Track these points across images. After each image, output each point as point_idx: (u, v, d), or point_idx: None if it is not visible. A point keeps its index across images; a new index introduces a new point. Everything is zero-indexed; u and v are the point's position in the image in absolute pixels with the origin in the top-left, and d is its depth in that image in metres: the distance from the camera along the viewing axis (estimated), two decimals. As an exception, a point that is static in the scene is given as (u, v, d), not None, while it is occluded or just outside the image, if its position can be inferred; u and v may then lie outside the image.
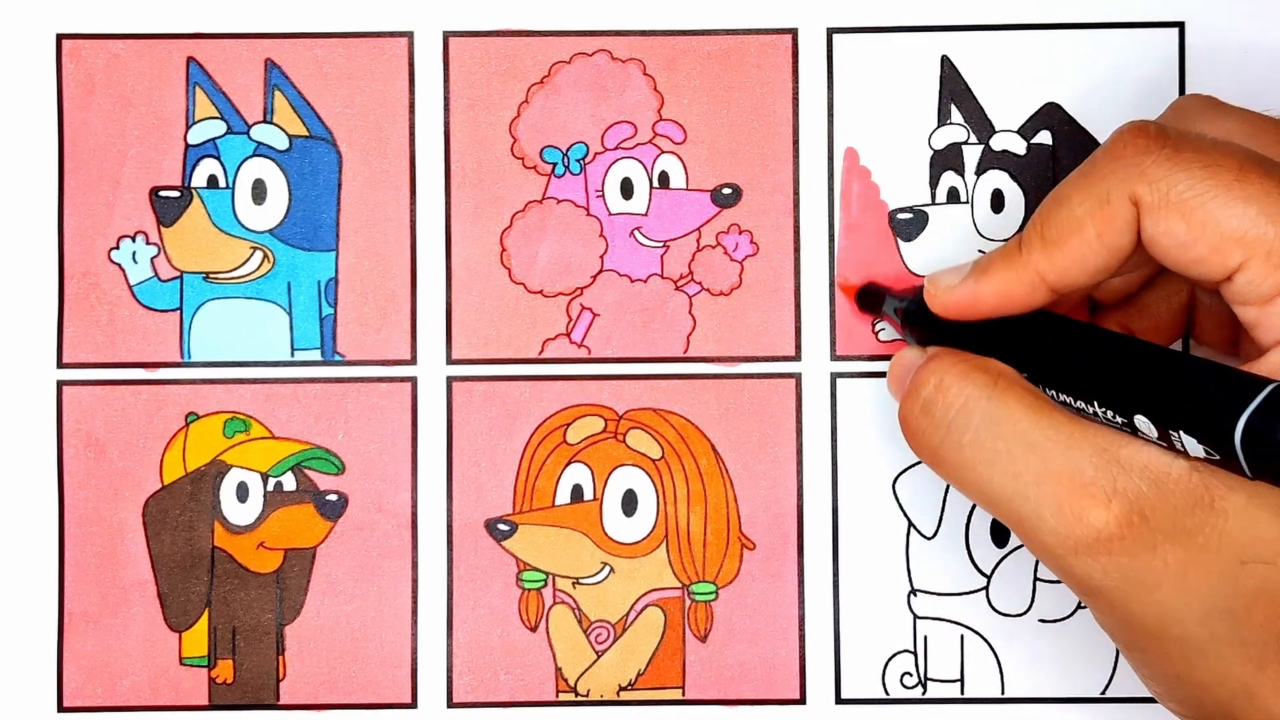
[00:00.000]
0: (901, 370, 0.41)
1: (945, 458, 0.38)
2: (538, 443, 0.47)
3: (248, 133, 0.47)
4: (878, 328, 0.47)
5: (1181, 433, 0.34)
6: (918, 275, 0.47)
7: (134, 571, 0.47)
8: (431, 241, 0.47)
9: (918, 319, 0.42)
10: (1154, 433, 0.35)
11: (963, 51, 0.46)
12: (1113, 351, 0.37)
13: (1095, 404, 0.36)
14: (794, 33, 0.47)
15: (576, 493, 0.47)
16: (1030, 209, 0.46)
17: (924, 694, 0.46)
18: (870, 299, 0.46)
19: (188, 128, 0.47)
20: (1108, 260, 0.37)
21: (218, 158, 0.47)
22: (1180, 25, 0.46)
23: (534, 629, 0.47)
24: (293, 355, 0.47)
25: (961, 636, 0.46)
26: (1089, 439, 0.36)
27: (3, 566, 0.46)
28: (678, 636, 0.47)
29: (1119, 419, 0.36)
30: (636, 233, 0.47)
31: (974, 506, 0.46)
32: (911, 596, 0.46)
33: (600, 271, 0.47)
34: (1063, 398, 0.37)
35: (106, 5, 0.47)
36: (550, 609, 0.47)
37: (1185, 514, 0.34)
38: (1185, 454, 0.35)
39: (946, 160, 0.47)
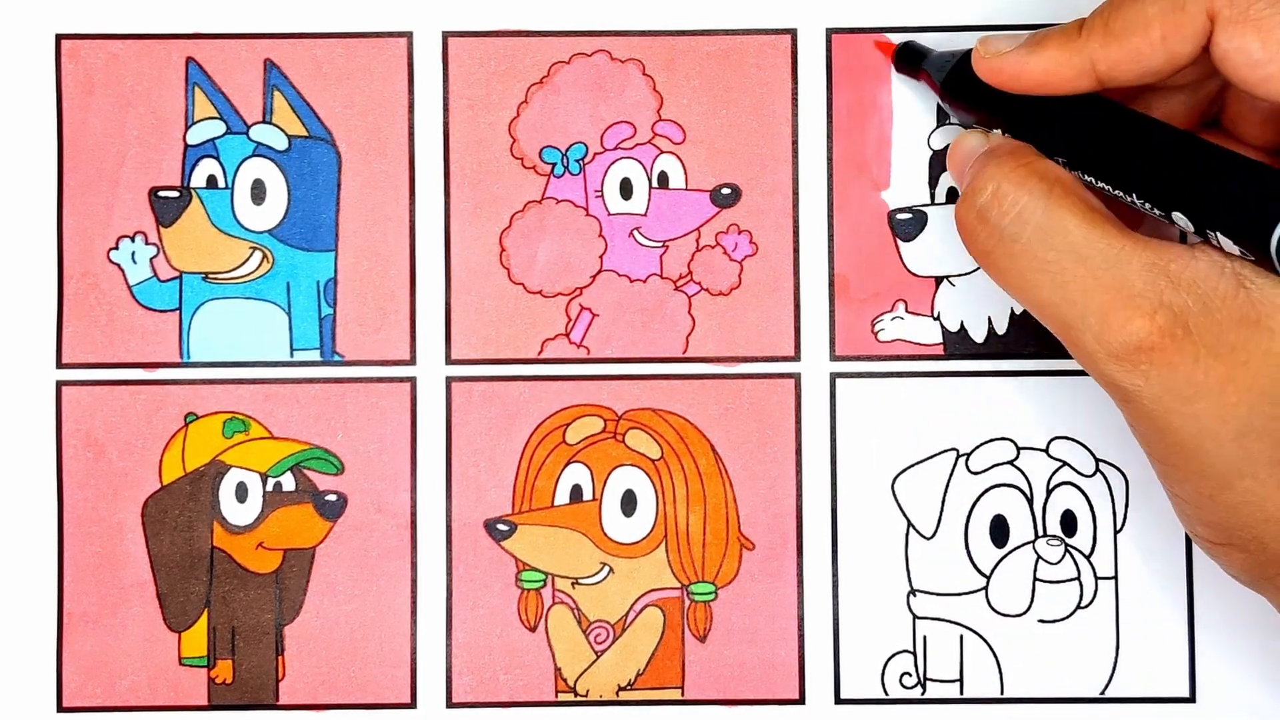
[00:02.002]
0: (961, 157, 0.41)
1: (996, 262, 0.38)
2: (537, 443, 0.47)
3: (247, 133, 0.47)
4: (877, 327, 0.47)
5: (1218, 233, 0.34)
6: (918, 275, 0.46)
7: (133, 572, 0.47)
8: (431, 241, 0.47)
9: (958, 86, 0.42)
10: (1191, 229, 0.35)
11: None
12: (1156, 144, 0.37)
13: (1134, 196, 0.37)
14: (793, 33, 0.47)
15: (576, 493, 0.47)
16: (1030, 209, 0.46)
17: (923, 694, 0.46)
18: (910, 56, 0.45)
19: (187, 128, 0.47)
20: (1163, 65, 0.37)
21: (217, 158, 0.47)
22: (1180, 25, 0.46)
23: (533, 629, 0.47)
24: (292, 355, 0.47)
25: (961, 637, 0.46)
26: (1139, 253, 0.36)
27: (3, 566, 0.46)
28: (677, 636, 0.47)
29: (1157, 212, 0.36)
30: (636, 233, 0.47)
31: (973, 507, 0.46)
32: (911, 597, 0.46)
33: (599, 271, 0.47)
34: (1101, 184, 0.38)
35: (106, 5, 0.47)
36: (549, 609, 0.47)
37: (1230, 329, 0.35)
38: (1230, 258, 0.35)
39: (946, 160, 0.47)
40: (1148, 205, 0.37)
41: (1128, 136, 0.38)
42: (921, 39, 0.46)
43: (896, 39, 0.46)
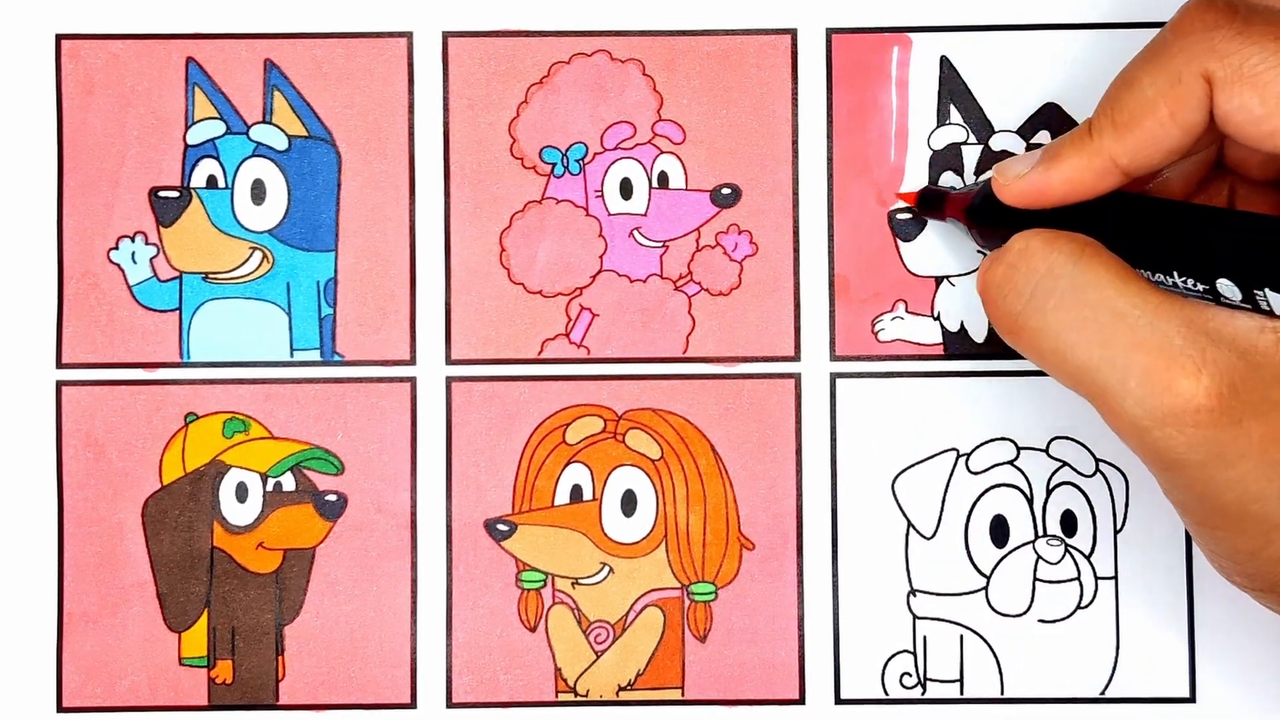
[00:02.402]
0: (986, 259, 0.40)
1: (1026, 324, 0.37)
2: (537, 443, 0.47)
3: (247, 133, 0.47)
4: (877, 327, 0.47)
5: (1267, 290, 0.34)
6: (918, 275, 0.46)
7: (133, 572, 0.47)
8: (431, 242, 0.47)
9: (986, 214, 0.42)
10: (1238, 295, 0.35)
11: (962, 52, 0.46)
12: (1190, 219, 0.37)
13: (1175, 274, 0.36)
14: (793, 33, 0.47)
15: (576, 493, 0.47)
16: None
17: (923, 694, 0.46)
18: (932, 200, 0.45)
19: (187, 128, 0.47)
20: (1181, 139, 0.36)
21: (217, 158, 0.47)
22: (1180, 25, 0.46)
23: (533, 629, 0.47)
24: (292, 355, 0.47)
25: (961, 637, 0.46)
26: (1176, 310, 0.35)
27: (3, 566, 0.46)
28: (677, 637, 0.47)
29: (1201, 287, 0.36)
30: (636, 233, 0.47)
31: (973, 506, 0.46)
32: (911, 597, 0.46)
33: (599, 272, 0.47)
34: (1142, 273, 0.37)
35: (106, 5, 0.47)
36: (550, 609, 0.47)
37: (1273, 386, 0.34)
38: (1273, 315, 0.35)
39: (946, 160, 0.47)
40: (1190, 281, 0.36)
41: (1159, 221, 0.37)
42: (922, 38, 0.46)
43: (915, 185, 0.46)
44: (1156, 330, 0.35)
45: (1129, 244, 0.37)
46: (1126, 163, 0.37)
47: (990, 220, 0.42)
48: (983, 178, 0.42)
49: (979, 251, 0.46)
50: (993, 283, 0.38)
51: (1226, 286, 0.35)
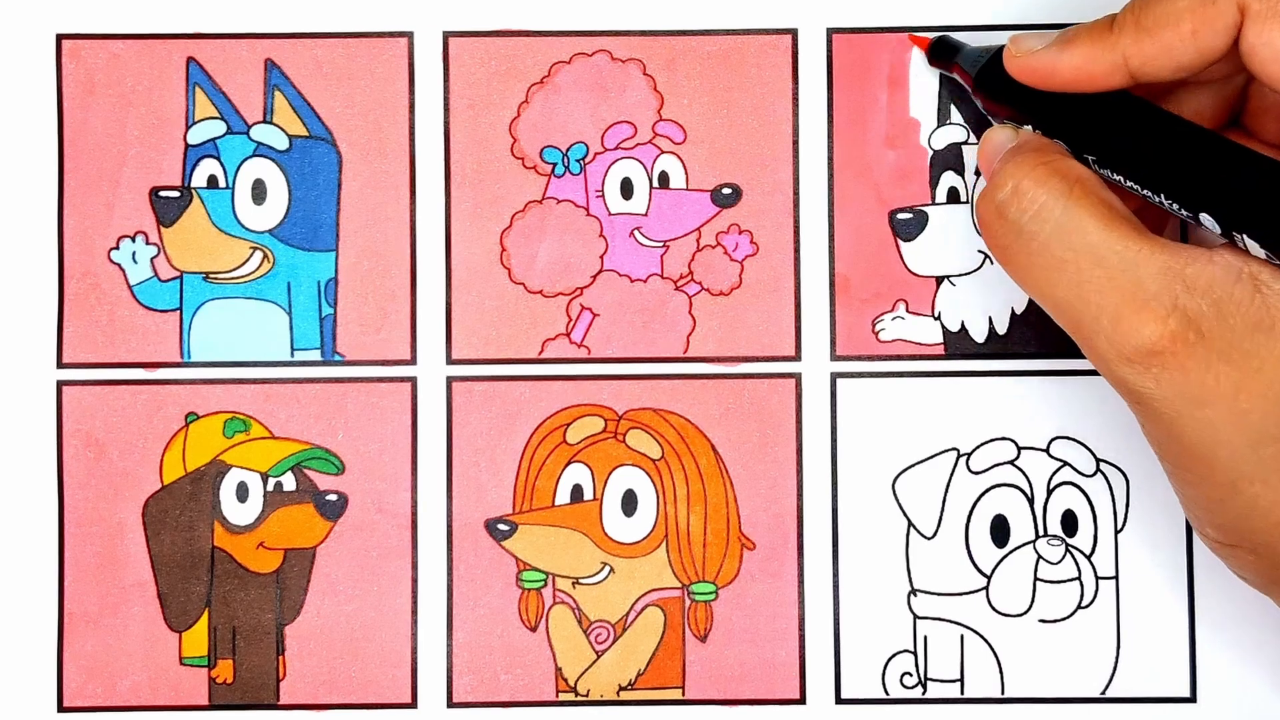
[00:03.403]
0: (990, 152, 0.41)
1: (1013, 258, 0.38)
2: (537, 443, 0.47)
3: (247, 133, 0.47)
4: (878, 327, 0.47)
5: (1245, 235, 0.34)
6: (919, 275, 0.46)
7: (134, 571, 0.47)
8: (431, 241, 0.47)
9: (991, 82, 0.42)
10: (1218, 230, 0.35)
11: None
12: (1185, 143, 0.37)
13: (1161, 195, 0.37)
14: (794, 33, 0.47)
15: (576, 493, 0.47)
16: (1030, 209, 0.46)
17: (924, 694, 0.46)
18: (944, 50, 0.45)
19: (188, 128, 0.47)
20: (1195, 59, 0.37)
21: (217, 158, 0.47)
22: (1180, 25, 0.46)
23: (534, 629, 0.47)
24: (293, 355, 0.47)
25: (961, 636, 0.46)
26: (1156, 256, 0.36)
27: (3, 566, 0.46)
28: (677, 636, 0.47)
29: (1185, 213, 0.36)
30: (636, 233, 0.47)
31: (974, 506, 0.46)
32: (911, 596, 0.46)
33: (600, 271, 0.47)
34: (1130, 184, 0.38)
35: (106, 5, 0.47)
36: (550, 609, 0.47)
37: (1244, 335, 0.35)
38: (1249, 262, 0.35)
39: (946, 160, 0.47)
40: (1175, 205, 0.36)
41: (1158, 135, 0.38)
42: (926, 35, 0.46)
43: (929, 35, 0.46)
44: (1133, 275, 0.36)
45: (1123, 153, 0.38)
46: (1136, 65, 0.37)
47: (994, 89, 0.42)
48: (997, 43, 0.42)
49: (979, 252, 0.46)
50: (985, 215, 0.39)
51: (1208, 220, 0.35)
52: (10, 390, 0.47)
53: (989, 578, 0.46)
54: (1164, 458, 0.38)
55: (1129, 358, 0.36)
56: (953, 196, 0.47)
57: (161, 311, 0.47)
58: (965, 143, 0.46)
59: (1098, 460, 0.46)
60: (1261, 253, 0.35)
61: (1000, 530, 0.46)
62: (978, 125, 0.46)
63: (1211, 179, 0.36)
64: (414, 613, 0.46)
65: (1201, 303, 0.35)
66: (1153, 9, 0.37)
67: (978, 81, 0.43)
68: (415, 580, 0.47)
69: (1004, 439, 0.46)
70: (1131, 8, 0.38)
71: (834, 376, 0.47)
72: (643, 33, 0.47)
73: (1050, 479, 0.46)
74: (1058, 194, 0.38)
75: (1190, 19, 0.36)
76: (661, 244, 0.47)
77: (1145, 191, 0.37)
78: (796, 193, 0.47)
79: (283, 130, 0.47)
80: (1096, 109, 0.39)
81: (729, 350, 0.47)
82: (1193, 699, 0.46)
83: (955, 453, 0.46)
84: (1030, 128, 0.41)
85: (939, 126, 0.47)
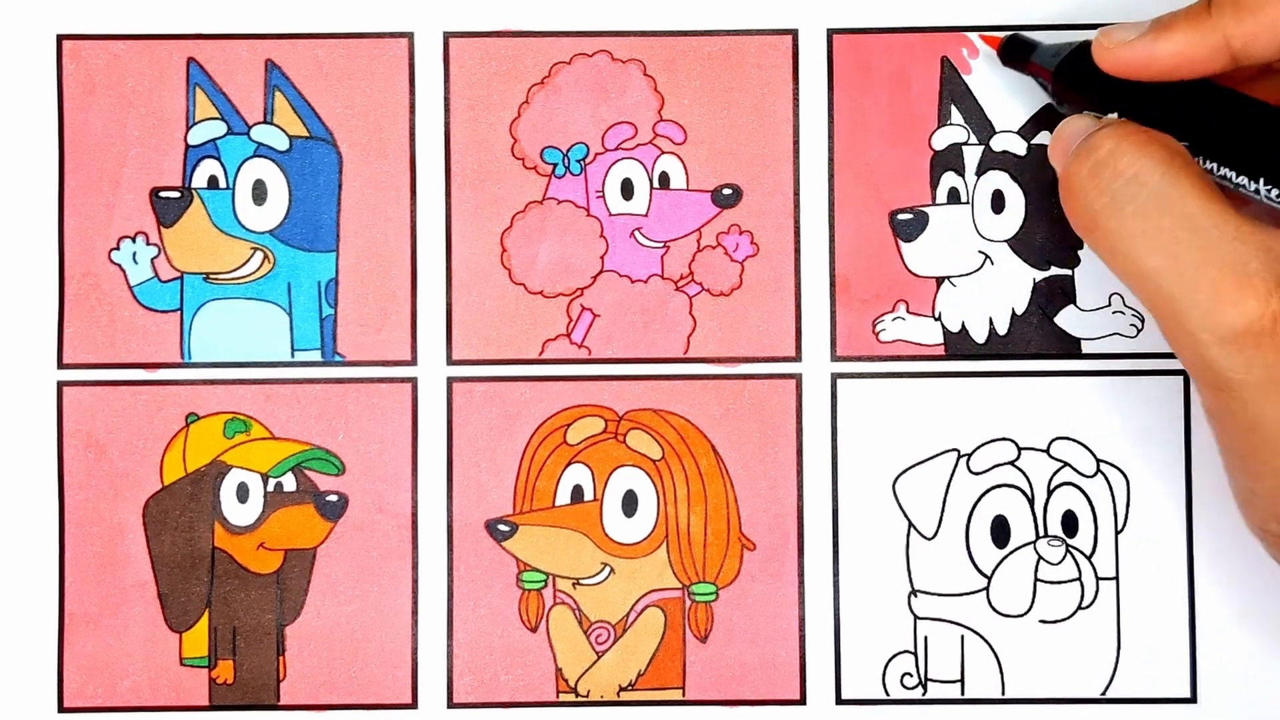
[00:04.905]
0: (1068, 136, 0.40)
1: (1103, 224, 0.37)
2: (538, 443, 0.47)
3: (248, 133, 0.47)
4: (878, 328, 0.47)
5: None
6: (919, 275, 0.46)
7: (134, 572, 0.47)
8: (432, 242, 0.47)
9: (1074, 76, 0.41)
10: None
11: (963, 52, 0.46)
12: None
13: (1261, 181, 0.36)
14: (794, 33, 0.47)
15: (577, 493, 0.47)
16: (1030, 209, 0.46)
17: (924, 694, 0.46)
18: (1018, 49, 0.44)
19: (188, 128, 0.47)
20: None
21: (218, 158, 0.47)
22: (1181, 25, 0.46)
23: (534, 629, 0.47)
24: (293, 356, 0.47)
25: (962, 637, 0.46)
26: (1257, 236, 0.35)
27: (3, 566, 0.46)
28: (678, 637, 0.47)
29: None
30: (637, 233, 0.47)
31: (974, 507, 0.46)
32: (912, 597, 0.46)
33: (600, 272, 0.47)
34: (1224, 171, 0.37)
35: (106, 6, 0.47)
36: (550, 609, 0.47)
37: None
38: None
39: (947, 161, 0.47)
40: (1274, 192, 0.36)
41: (1254, 122, 0.37)
42: (922, 38, 0.46)
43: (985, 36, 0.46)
44: (1233, 250, 0.35)
45: (1220, 140, 0.37)
46: (1240, 46, 0.37)
47: (1077, 84, 0.41)
48: (1076, 37, 0.42)
49: (979, 253, 0.46)
50: (1076, 176, 0.38)
51: None
52: (10, 390, 0.47)
53: (989, 578, 0.46)
54: (1232, 448, 0.37)
55: (1224, 337, 0.35)
56: (953, 197, 0.47)
57: (162, 312, 0.47)
58: (965, 143, 0.46)
59: (1098, 461, 0.46)
60: None
61: (1001, 531, 0.46)
62: (979, 128, 0.46)
63: None
64: (414, 613, 0.46)
65: None
66: None
67: (1058, 75, 0.42)
68: (415, 581, 0.47)
69: (1004, 439, 0.46)
70: None
71: (834, 377, 0.47)
72: (643, 33, 0.47)
73: (1050, 479, 0.46)
74: (1158, 160, 0.36)
75: None
76: (662, 244, 0.47)
77: (1241, 179, 0.37)
78: (797, 193, 0.47)
79: (283, 131, 0.47)
80: (1187, 98, 0.38)
81: (729, 351, 0.47)
82: (1193, 699, 0.46)
83: (956, 453, 0.46)
84: (1114, 115, 0.40)
85: (939, 127, 0.47)
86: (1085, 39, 0.41)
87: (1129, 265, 0.37)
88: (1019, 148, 0.46)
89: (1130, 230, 0.36)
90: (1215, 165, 0.38)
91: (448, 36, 0.47)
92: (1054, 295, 0.46)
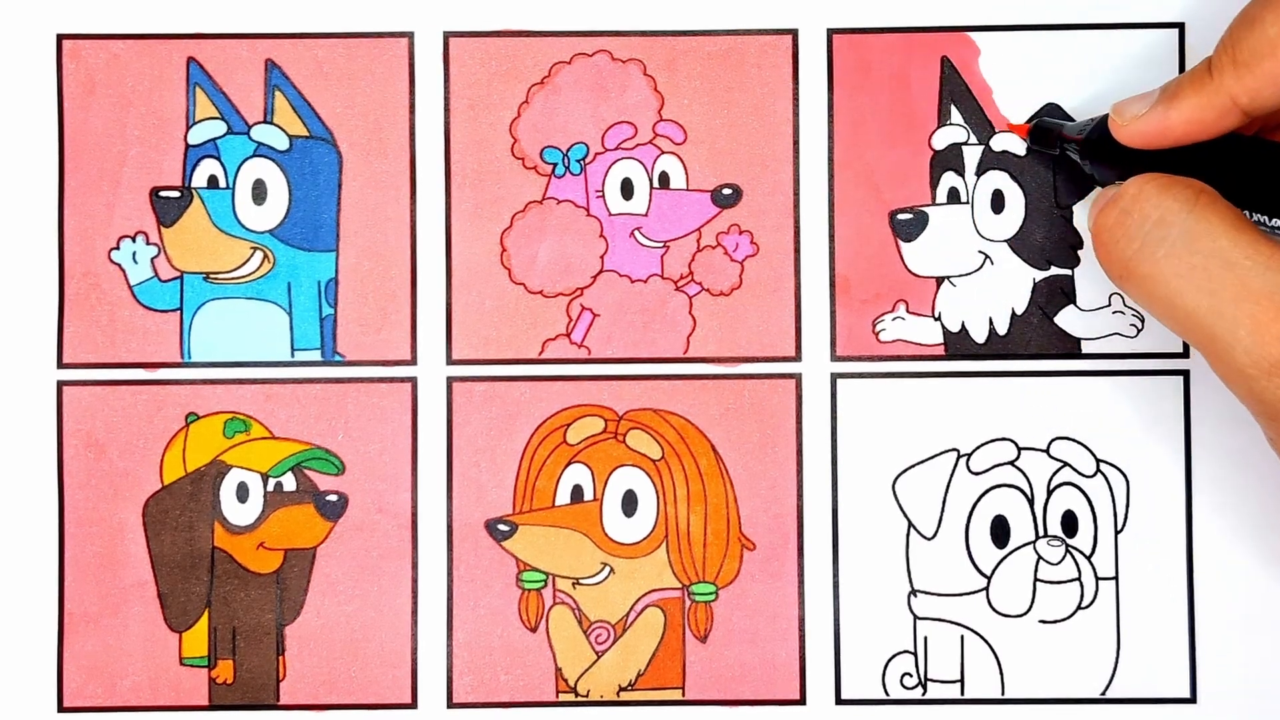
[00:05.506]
0: (1100, 200, 0.40)
1: (1137, 269, 0.37)
2: (538, 443, 0.47)
3: (248, 133, 0.47)
4: (878, 328, 0.47)
5: None
6: (919, 275, 0.46)
7: (134, 572, 0.47)
8: (432, 242, 0.47)
9: (1100, 151, 0.42)
10: None
11: (962, 52, 0.46)
12: None
13: None
14: (794, 33, 0.47)
15: (576, 493, 0.47)
16: (1030, 209, 0.46)
17: (924, 694, 0.46)
18: (1044, 135, 0.45)
19: (188, 128, 0.47)
20: None
21: (218, 158, 0.47)
22: (1180, 26, 0.46)
23: (534, 629, 0.47)
24: (293, 355, 0.47)
25: (962, 637, 0.46)
26: None
27: (3, 566, 0.46)
28: (678, 637, 0.47)
29: None
30: (637, 233, 0.47)
31: (974, 507, 0.46)
32: (911, 597, 0.46)
33: (600, 272, 0.47)
34: (1258, 217, 0.37)
35: (106, 5, 0.47)
36: (550, 609, 0.47)
37: None
38: None
39: (947, 161, 0.47)
40: None
41: (1275, 165, 0.37)
42: (922, 38, 0.46)
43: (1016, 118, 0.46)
44: (1268, 281, 0.35)
45: (1244, 187, 0.37)
46: (1247, 102, 0.37)
47: (1105, 157, 0.42)
48: (1098, 114, 0.42)
49: (979, 253, 0.46)
50: (1105, 226, 0.38)
51: None
52: (10, 390, 0.47)
53: (989, 578, 0.46)
54: None
55: (1270, 370, 0.35)
56: (953, 197, 0.47)
57: (162, 312, 0.47)
58: (965, 143, 0.46)
59: (1098, 461, 0.46)
60: None
61: (1000, 531, 0.46)
62: (979, 128, 0.46)
63: None
64: (414, 613, 0.46)
65: None
66: (1244, 44, 0.37)
67: (1084, 153, 0.43)
68: (415, 580, 0.47)
69: (1004, 439, 0.46)
70: (1224, 46, 0.37)
71: (834, 377, 0.47)
72: (643, 33, 0.47)
73: (1050, 479, 0.46)
74: (1183, 200, 0.37)
75: None
76: (662, 244, 0.47)
77: (1275, 222, 0.37)
78: (797, 193, 0.47)
79: (283, 130, 0.47)
80: (1210, 153, 0.39)
81: (729, 350, 0.47)
82: (1193, 699, 0.46)
83: (955, 453, 0.46)
84: None
85: (939, 127, 0.47)
86: (1105, 113, 0.41)
87: (1168, 308, 0.37)
88: (1019, 148, 0.46)
89: (1164, 273, 0.37)
90: (1248, 212, 0.38)
91: (448, 36, 0.47)
92: (1054, 295, 0.46)
